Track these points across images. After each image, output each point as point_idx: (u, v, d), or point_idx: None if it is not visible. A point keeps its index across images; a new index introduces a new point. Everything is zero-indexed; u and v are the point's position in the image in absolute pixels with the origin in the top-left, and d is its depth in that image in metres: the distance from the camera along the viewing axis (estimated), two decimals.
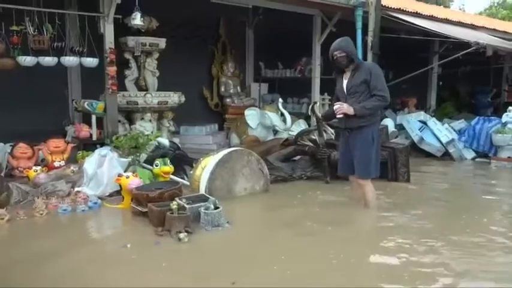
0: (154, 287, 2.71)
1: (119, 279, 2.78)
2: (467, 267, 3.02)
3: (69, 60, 5.79)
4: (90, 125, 6.29)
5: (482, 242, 3.50)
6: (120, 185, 4.32)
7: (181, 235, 3.42)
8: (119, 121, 6.51)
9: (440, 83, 11.34)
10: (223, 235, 3.58)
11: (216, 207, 3.80)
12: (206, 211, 3.74)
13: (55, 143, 5.57)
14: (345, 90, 4.16)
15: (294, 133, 6.52)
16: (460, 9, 25.28)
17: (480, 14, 23.30)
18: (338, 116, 4.13)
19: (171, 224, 3.55)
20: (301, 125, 7.85)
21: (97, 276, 2.81)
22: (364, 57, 7.73)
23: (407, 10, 8.50)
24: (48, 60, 5.60)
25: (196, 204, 3.87)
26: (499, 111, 9.73)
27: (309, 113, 6.27)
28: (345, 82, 4.18)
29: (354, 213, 4.30)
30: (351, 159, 4.17)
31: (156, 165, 4.78)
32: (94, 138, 6.19)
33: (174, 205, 3.65)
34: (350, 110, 4.01)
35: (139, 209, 4.00)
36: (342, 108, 4.04)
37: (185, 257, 3.15)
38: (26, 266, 2.95)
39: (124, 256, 3.13)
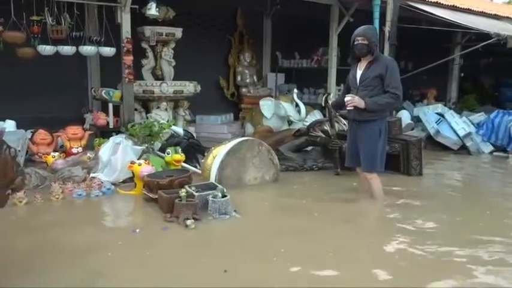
0: (150, 268, 2.80)
1: (123, 261, 2.89)
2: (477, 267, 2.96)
3: (87, 49, 5.94)
4: (108, 113, 6.47)
5: (493, 241, 3.42)
6: (132, 172, 4.44)
7: (189, 222, 3.51)
8: (136, 109, 6.65)
9: (462, 74, 11.06)
10: (229, 223, 3.65)
11: (224, 196, 3.87)
12: (214, 199, 3.82)
13: (73, 130, 5.76)
14: (358, 81, 4.11)
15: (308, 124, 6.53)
16: None
17: (509, 3, 22.46)
18: (348, 108, 4.12)
19: (179, 211, 3.64)
20: (316, 116, 7.84)
21: (103, 258, 2.93)
22: (381, 48, 7.64)
23: (427, 0, 8.31)
24: (67, 50, 5.77)
25: (205, 192, 3.96)
26: None
27: (323, 104, 6.26)
28: (359, 72, 4.11)
29: (361, 206, 4.29)
30: (357, 152, 4.17)
31: (168, 154, 4.89)
32: (111, 126, 6.37)
33: (182, 192, 3.74)
34: (361, 104, 3.96)
35: (150, 195, 4.11)
36: (353, 100, 4.00)
37: (189, 243, 3.24)
38: (38, 242, 3.15)
39: (131, 240, 3.25)
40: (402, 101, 9.87)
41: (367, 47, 3.97)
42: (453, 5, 8.75)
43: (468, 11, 8.96)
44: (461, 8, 8.87)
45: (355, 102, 3.99)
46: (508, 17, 9.79)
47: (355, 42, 4.01)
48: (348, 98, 4.05)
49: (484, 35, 7.42)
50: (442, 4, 8.55)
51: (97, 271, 2.72)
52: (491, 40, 6.84)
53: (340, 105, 4.42)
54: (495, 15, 9.59)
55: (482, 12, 9.35)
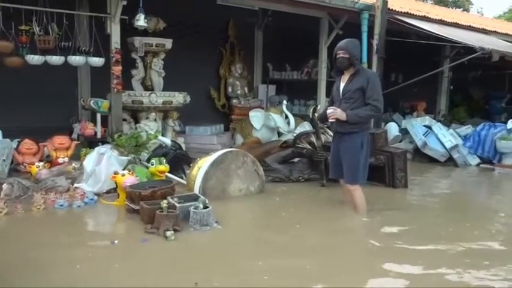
0: (115, 281, 2.78)
1: (90, 274, 2.86)
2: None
3: (76, 59, 5.96)
4: (97, 123, 6.46)
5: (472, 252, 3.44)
6: (115, 183, 4.43)
7: (168, 233, 3.51)
8: (125, 120, 6.66)
9: (451, 87, 11.19)
10: (209, 235, 3.64)
11: (206, 207, 3.87)
12: (195, 210, 3.82)
13: (60, 139, 5.76)
14: (340, 93, 4.18)
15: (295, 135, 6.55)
16: (478, 12, 24.84)
17: (499, 17, 22.83)
18: (330, 120, 4.16)
19: (160, 222, 3.63)
20: (305, 127, 7.87)
21: (75, 269, 2.90)
22: (369, 61, 7.73)
23: (415, 14, 8.43)
24: (55, 59, 5.79)
25: (187, 203, 3.96)
26: None
27: (310, 116, 6.30)
28: (342, 85, 4.18)
29: (344, 218, 4.29)
30: (340, 163, 4.20)
31: (152, 164, 4.89)
32: (98, 136, 6.35)
33: (164, 203, 3.74)
34: (343, 116, 4.02)
35: (132, 206, 4.10)
36: (334, 113, 4.06)
37: (166, 255, 3.23)
38: (7, 254, 3.13)
39: (106, 252, 3.23)
40: (393, 114, 10.11)
41: (348, 61, 4.03)
42: (441, 19, 8.88)
43: (455, 25, 9.09)
44: (448, 22, 9.00)
45: (337, 114, 4.04)
46: (495, 32, 9.94)
47: (337, 56, 4.08)
48: (329, 110, 4.11)
49: (471, 49, 7.52)
50: (430, 18, 8.68)
51: (61, 284, 2.68)
52: (476, 54, 6.94)
53: (325, 117, 4.46)
54: (483, 29, 9.74)
55: (470, 26, 9.49)
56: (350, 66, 4.08)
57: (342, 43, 4.11)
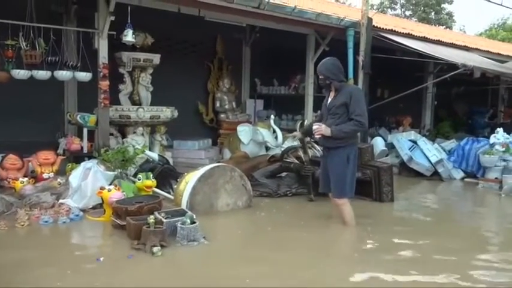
0: None
1: None
2: None
3: (63, 74, 5.92)
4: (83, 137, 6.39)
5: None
6: (102, 198, 4.39)
7: (155, 249, 3.47)
8: (112, 134, 6.62)
9: (436, 102, 11.42)
10: (196, 250, 3.61)
11: (193, 222, 3.85)
12: (182, 226, 3.79)
13: (44, 155, 5.69)
14: (327, 109, 4.26)
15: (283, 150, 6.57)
16: (460, 30, 25.52)
17: (480, 35, 23.50)
18: (316, 136, 4.21)
19: (147, 238, 3.60)
20: (293, 142, 7.92)
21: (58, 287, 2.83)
22: (355, 77, 7.87)
23: (399, 31, 8.63)
24: (42, 74, 5.75)
25: (174, 219, 3.93)
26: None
27: (298, 131, 6.34)
28: (328, 100, 4.28)
29: (331, 233, 4.29)
30: (328, 177, 4.24)
31: (139, 179, 4.86)
32: (85, 151, 6.29)
33: (150, 219, 3.70)
34: (327, 132, 4.08)
35: (119, 222, 4.05)
36: (319, 129, 4.12)
37: (151, 271, 3.18)
38: None
39: (93, 268, 3.17)
40: (379, 128, 10.25)
41: (324, 81, 4.19)
42: (424, 37, 9.10)
43: (439, 42, 9.33)
44: (432, 39, 9.23)
45: (322, 130, 4.09)
46: (477, 49, 10.21)
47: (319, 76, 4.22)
48: (315, 126, 4.18)
49: (454, 66, 7.70)
50: (414, 35, 8.89)
51: None
52: (459, 70, 7.12)
53: (309, 132, 4.52)
54: (465, 46, 10.00)
55: (453, 43, 9.75)
56: (329, 86, 4.20)
57: (319, 65, 4.24)
